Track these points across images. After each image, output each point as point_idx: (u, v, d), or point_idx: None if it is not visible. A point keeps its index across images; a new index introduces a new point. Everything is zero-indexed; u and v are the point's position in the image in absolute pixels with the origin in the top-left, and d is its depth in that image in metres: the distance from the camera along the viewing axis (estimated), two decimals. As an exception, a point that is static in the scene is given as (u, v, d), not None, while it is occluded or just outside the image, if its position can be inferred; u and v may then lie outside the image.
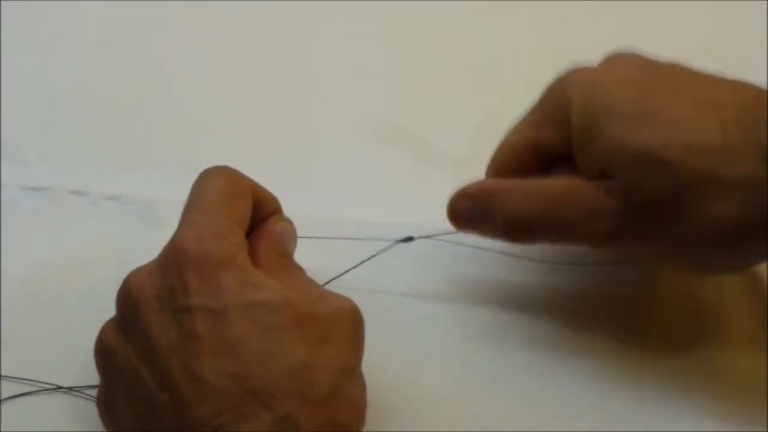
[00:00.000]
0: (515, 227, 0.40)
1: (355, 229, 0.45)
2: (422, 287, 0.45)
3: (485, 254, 0.46)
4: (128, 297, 0.36)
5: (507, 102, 0.51)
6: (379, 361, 0.42)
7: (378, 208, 0.48)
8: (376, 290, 0.45)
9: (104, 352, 0.37)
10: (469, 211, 0.42)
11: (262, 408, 0.33)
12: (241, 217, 0.38)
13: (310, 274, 0.39)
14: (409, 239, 0.45)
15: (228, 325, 0.34)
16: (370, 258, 0.44)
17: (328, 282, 0.43)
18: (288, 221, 0.41)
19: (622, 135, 0.38)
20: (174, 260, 0.36)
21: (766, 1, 0.52)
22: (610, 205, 0.38)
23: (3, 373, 0.42)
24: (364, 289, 0.44)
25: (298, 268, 0.40)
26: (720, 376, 0.42)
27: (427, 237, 0.45)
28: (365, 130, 0.51)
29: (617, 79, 0.40)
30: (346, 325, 0.36)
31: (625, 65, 0.41)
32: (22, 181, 0.49)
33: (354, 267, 0.44)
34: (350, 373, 0.36)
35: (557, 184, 0.40)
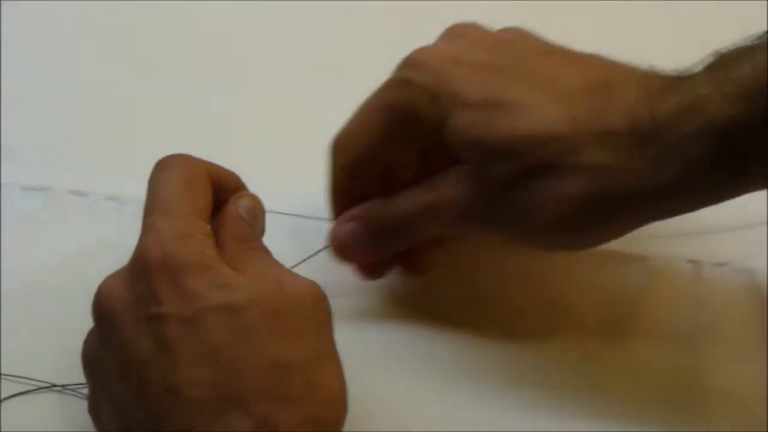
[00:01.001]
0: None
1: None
2: (410, 287, 0.45)
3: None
4: (101, 309, 0.36)
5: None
6: (369, 362, 0.42)
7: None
8: (367, 290, 0.45)
9: (89, 365, 0.37)
10: (360, 234, 0.41)
11: (241, 414, 0.33)
12: (201, 207, 0.38)
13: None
14: None
15: (200, 331, 0.34)
16: (300, 263, 0.43)
17: (301, 262, 0.43)
18: (251, 196, 0.40)
19: (469, 124, 0.37)
20: (141, 268, 0.35)
21: (766, 1, 0.52)
22: (464, 191, 0.38)
23: (1, 368, 0.42)
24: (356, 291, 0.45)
25: (261, 250, 0.39)
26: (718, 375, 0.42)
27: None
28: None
29: (464, 62, 0.39)
30: (310, 311, 0.36)
31: (471, 44, 0.40)
32: (22, 181, 0.49)
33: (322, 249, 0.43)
34: (322, 359, 0.36)
35: (417, 201, 0.40)
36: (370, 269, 0.44)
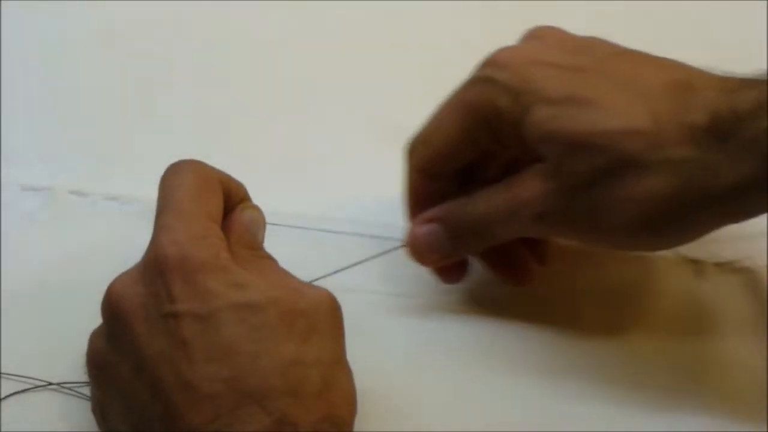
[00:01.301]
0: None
1: (360, 230, 0.46)
2: (420, 289, 0.45)
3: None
4: (113, 308, 0.36)
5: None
6: (377, 363, 0.42)
7: (378, 208, 0.48)
8: (375, 291, 0.45)
9: (97, 365, 0.37)
10: (437, 235, 0.41)
11: (259, 409, 0.33)
12: (214, 213, 0.38)
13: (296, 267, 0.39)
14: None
15: (216, 329, 0.34)
16: (369, 258, 0.44)
17: (318, 279, 0.43)
18: (256, 208, 0.41)
19: (549, 119, 0.38)
20: (155, 267, 0.35)
21: (766, 1, 0.52)
22: (542, 189, 0.38)
23: (1, 368, 0.42)
24: (362, 290, 0.45)
25: (271, 259, 0.39)
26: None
27: None
28: (365, 130, 0.51)
29: (545, 62, 0.39)
30: (327, 316, 0.37)
31: (551, 46, 0.40)
32: (22, 181, 0.49)
33: (350, 266, 0.44)
34: (338, 363, 0.36)
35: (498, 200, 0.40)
36: (449, 272, 0.44)
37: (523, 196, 0.39)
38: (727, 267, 0.45)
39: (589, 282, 0.45)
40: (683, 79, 0.37)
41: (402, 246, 0.43)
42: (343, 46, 0.55)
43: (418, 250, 0.42)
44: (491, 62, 0.40)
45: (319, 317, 0.36)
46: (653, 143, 0.36)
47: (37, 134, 0.51)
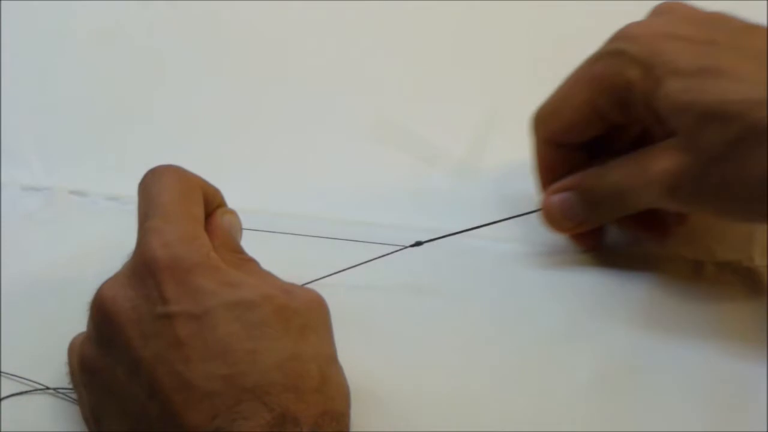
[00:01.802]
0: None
1: (361, 231, 0.45)
2: (425, 289, 0.45)
3: (486, 254, 0.46)
4: (104, 312, 0.36)
5: (508, 102, 0.51)
6: (380, 361, 0.42)
7: (378, 208, 0.48)
8: (380, 290, 0.45)
9: (88, 370, 0.37)
10: (571, 203, 0.42)
11: (260, 405, 0.33)
12: (199, 216, 0.38)
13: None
14: (417, 244, 0.45)
15: (212, 327, 0.34)
16: (374, 259, 0.44)
17: (316, 280, 0.43)
18: (233, 213, 0.41)
19: (682, 90, 0.38)
20: (146, 270, 0.35)
21: (766, 1, 0.52)
22: (676, 162, 0.39)
23: (2, 368, 0.42)
24: (367, 289, 0.45)
25: (254, 262, 0.40)
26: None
27: (434, 239, 0.45)
28: (365, 130, 0.51)
29: (675, 35, 0.39)
30: (318, 315, 0.37)
31: (680, 19, 0.40)
32: (22, 181, 0.49)
33: (354, 266, 0.44)
34: (332, 359, 0.37)
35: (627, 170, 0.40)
36: (586, 238, 0.45)
37: (656, 169, 0.39)
38: (727, 267, 0.45)
39: (591, 280, 0.45)
40: None
41: (537, 210, 0.44)
42: (343, 46, 0.55)
43: (553, 217, 0.43)
44: (621, 36, 0.41)
45: (312, 315, 0.37)
46: None
47: (37, 134, 0.51)
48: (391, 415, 0.41)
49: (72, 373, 0.40)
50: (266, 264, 0.39)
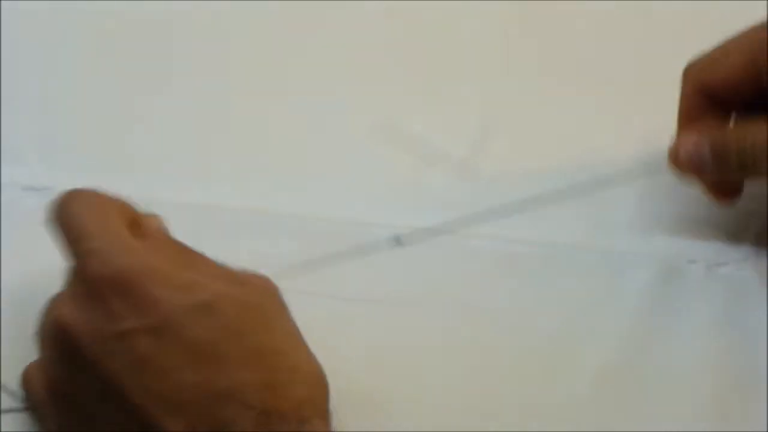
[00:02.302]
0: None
1: (361, 231, 0.46)
2: (422, 289, 0.45)
3: (477, 253, 0.46)
4: (65, 337, 0.35)
5: (508, 102, 0.51)
6: (374, 363, 0.42)
7: (378, 208, 0.48)
8: (375, 289, 0.45)
9: (60, 394, 0.36)
10: (702, 149, 0.42)
11: (239, 406, 0.33)
12: (124, 229, 0.37)
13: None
14: (397, 240, 0.44)
15: (172, 336, 0.34)
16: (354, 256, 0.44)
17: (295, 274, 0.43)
18: (154, 215, 0.40)
19: None
20: (94, 291, 0.35)
21: (766, 1, 0.52)
22: None
23: (2, 369, 0.42)
24: (359, 288, 0.45)
25: (197, 253, 0.38)
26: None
27: (416, 238, 0.45)
28: (365, 129, 0.51)
29: None
30: (274, 303, 0.37)
31: None
32: (22, 181, 0.49)
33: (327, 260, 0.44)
34: (298, 346, 0.36)
35: None
36: (722, 194, 0.44)
37: None
38: (726, 267, 0.45)
39: (586, 280, 0.45)
40: None
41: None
42: (343, 46, 0.55)
43: (679, 160, 0.43)
44: None
45: (268, 305, 0.36)
46: None
47: (37, 134, 0.51)
48: (390, 417, 0.41)
49: (33, 399, 0.39)
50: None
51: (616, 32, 0.53)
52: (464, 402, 0.42)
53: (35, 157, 0.50)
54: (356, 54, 0.54)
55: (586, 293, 0.45)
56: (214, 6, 0.56)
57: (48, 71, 0.54)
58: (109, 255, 0.35)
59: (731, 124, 0.43)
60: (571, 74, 0.52)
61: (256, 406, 0.33)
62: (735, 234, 0.46)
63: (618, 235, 0.46)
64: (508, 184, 0.49)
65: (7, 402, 0.41)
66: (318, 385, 0.36)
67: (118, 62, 0.54)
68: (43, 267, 0.45)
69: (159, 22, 0.56)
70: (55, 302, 0.37)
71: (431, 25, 0.56)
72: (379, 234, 0.45)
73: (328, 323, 0.41)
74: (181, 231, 0.40)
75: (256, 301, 0.36)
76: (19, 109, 0.52)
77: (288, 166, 0.50)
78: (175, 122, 0.52)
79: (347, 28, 0.55)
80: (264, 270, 0.38)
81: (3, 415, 0.41)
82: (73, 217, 0.38)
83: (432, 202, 0.48)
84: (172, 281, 0.35)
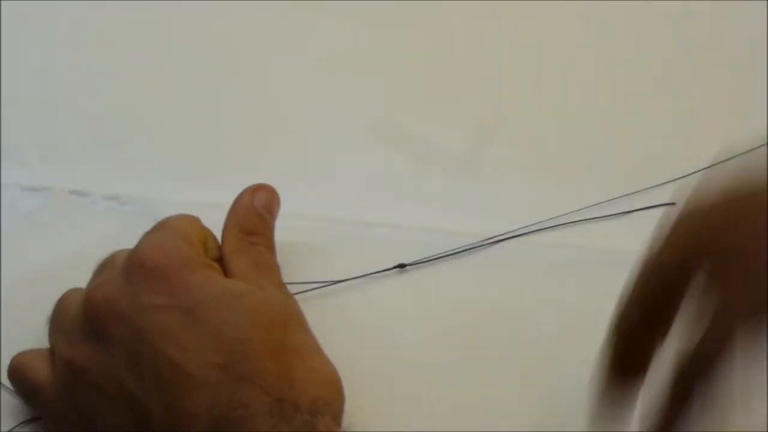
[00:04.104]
0: None
1: (361, 231, 0.46)
2: (422, 289, 0.45)
3: (477, 252, 0.46)
4: (97, 310, 0.37)
5: (507, 102, 0.51)
6: (376, 361, 0.42)
7: (377, 208, 0.48)
8: (377, 289, 0.45)
9: (79, 370, 0.37)
10: None
11: (257, 390, 0.34)
12: (197, 241, 0.40)
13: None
14: (401, 266, 0.45)
15: (204, 318, 0.36)
16: (356, 278, 0.44)
17: (307, 291, 0.44)
18: (267, 188, 0.42)
19: None
20: (138, 268, 0.37)
21: (766, 1, 0.52)
22: None
23: (2, 369, 0.42)
24: (362, 289, 0.45)
25: (262, 247, 0.41)
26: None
27: (418, 262, 0.45)
28: (365, 129, 0.51)
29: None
30: (294, 309, 0.39)
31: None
32: (22, 181, 0.49)
33: (338, 282, 0.44)
34: (314, 348, 0.38)
35: None
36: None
37: None
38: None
39: (586, 282, 0.45)
40: None
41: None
42: (343, 46, 0.55)
43: None
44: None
45: (291, 311, 0.38)
46: None
47: (37, 134, 0.51)
48: (390, 417, 0.41)
49: (28, 387, 0.40)
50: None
51: (617, 34, 0.53)
52: (464, 402, 0.42)
53: (35, 157, 0.50)
54: (356, 54, 0.54)
55: (587, 293, 0.45)
56: (214, 6, 0.56)
57: (48, 71, 0.54)
58: (162, 242, 0.38)
59: None
60: (571, 74, 0.52)
61: (272, 393, 0.34)
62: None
63: (618, 235, 0.46)
64: (507, 184, 0.49)
65: (7, 401, 0.41)
66: (334, 388, 0.37)
67: (118, 62, 0.54)
68: (43, 267, 0.46)
69: (159, 22, 0.56)
70: (100, 281, 0.39)
71: (431, 25, 0.56)
72: (380, 234, 0.45)
73: (328, 323, 0.41)
74: (181, 231, 0.41)
75: (279, 303, 0.38)
76: (19, 109, 0.52)
77: (288, 165, 0.50)
78: (175, 122, 0.52)
79: (347, 28, 0.55)
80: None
81: (3, 415, 0.41)
82: (162, 221, 0.40)
83: (432, 202, 0.48)
84: (212, 272, 0.38)
